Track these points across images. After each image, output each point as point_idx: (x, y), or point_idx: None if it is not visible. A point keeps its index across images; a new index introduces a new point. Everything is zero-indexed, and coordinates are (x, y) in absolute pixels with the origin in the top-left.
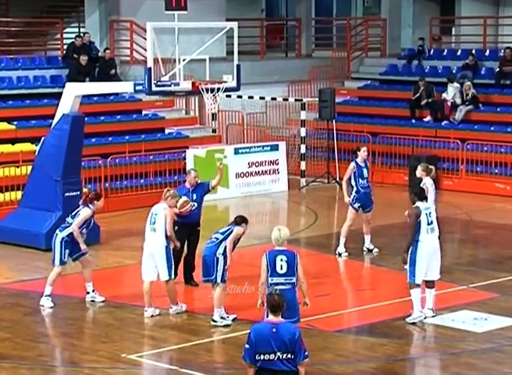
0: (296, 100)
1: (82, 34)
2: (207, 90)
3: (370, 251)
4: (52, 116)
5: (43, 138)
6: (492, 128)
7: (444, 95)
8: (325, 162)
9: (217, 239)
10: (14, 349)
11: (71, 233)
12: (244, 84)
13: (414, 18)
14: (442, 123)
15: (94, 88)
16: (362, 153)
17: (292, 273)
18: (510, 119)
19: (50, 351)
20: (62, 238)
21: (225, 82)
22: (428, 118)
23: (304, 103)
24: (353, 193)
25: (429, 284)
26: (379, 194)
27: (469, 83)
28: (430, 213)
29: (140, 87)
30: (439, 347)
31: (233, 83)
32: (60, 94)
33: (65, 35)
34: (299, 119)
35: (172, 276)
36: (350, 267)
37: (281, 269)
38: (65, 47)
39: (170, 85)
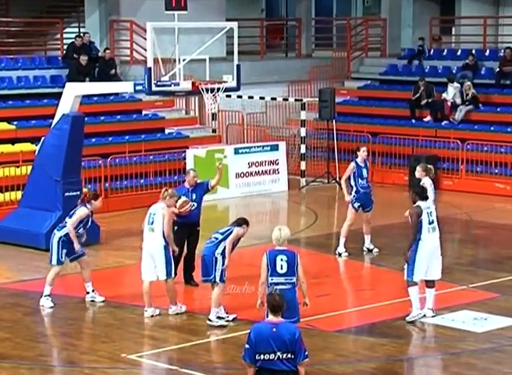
0: (296, 100)
1: (82, 34)
2: (207, 90)
3: (370, 251)
4: (52, 116)
5: (43, 138)
6: (492, 128)
7: (444, 95)
8: (325, 162)
9: (216, 239)
10: (14, 349)
11: (68, 233)
12: (244, 84)
13: (414, 18)
14: (442, 123)
15: (94, 88)
16: (362, 153)
17: (292, 273)
18: (510, 119)
19: (50, 351)
20: (60, 238)
21: (225, 82)
22: (428, 118)
23: (304, 103)
24: (353, 193)
25: (429, 284)
26: (379, 194)
27: (469, 83)
28: (431, 212)
29: (140, 87)
30: (439, 347)
31: (233, 83)
32: (60, 94)
33: (65, 35)
34: (299, 119)
35: (172, 276)
36: (350, 267)
37: (281, 268)
38: (65, 47)
39: (170, 85)
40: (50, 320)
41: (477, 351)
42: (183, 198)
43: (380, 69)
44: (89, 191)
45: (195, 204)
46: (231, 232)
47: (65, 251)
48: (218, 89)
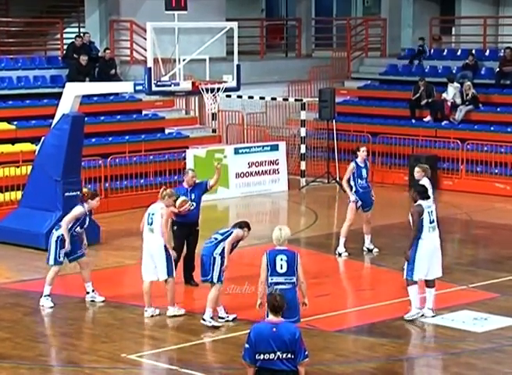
0: (296, 100)
1: (82, 34)
2: (207, 90)
3: (370, 251)
4: (52, 116)
5: (43, 138)
6: (492, 128)
7: (444, 95)
8: (325, 162)
9: (216, 239)
10: (14, 349)
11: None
12: (244, 84)
13: (414, 18)
14: (442, 123)
15: (94, 88)
16: (362, 153)
17: (292, 273)
18: (510, 119)
19: (50, 351)
20: (58, 237)
21: (225, 82)
22: (428, 118)
23: (304, 103)
24: (353, 193)
25: (429, 284)
26: (379, 194)
27: (469, 83)
28: (432, 212)
29: (140, 87)
30: (438, 347)
31: (233, 83)
32: (60, 94)
33: (65, 35)
34: (299, 119)
35: (173, 276)
36: (350, 267)
37: (281, 268)
38: (65, 47)
39: (170, 85)
40: (50, 320)
41: (477, 351)
42: (182, 197)
43: (380, 69)
44: (89, 191)
45: (194, 204)
46: (231, 233)
47: (63, 251)
48: (218, 89)
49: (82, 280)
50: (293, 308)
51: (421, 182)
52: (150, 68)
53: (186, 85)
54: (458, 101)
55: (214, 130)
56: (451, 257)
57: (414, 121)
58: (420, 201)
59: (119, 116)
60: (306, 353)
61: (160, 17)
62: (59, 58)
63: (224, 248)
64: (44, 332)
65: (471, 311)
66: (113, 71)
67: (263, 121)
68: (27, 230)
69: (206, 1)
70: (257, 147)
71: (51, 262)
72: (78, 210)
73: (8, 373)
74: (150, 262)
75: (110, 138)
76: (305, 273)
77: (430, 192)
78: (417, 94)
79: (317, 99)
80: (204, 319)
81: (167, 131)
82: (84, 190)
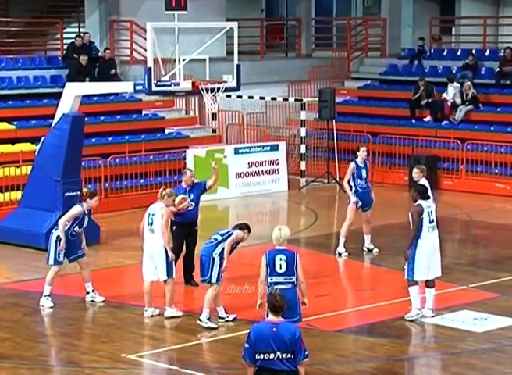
0: (296, 100)
1: (82, 34)
2: (207, 90)
3: (370, 251)
4: (52, 116)
5: (43, 138)
6: (492, 128)
7: (444, 95)
8: (325, 162)
9: (215, 240)
10: (14, 349)
11: (66, 232)
12: (244, 84)
13: (414, 18)
14: (442, 123)
15: (94, 88)
16: (361, 153)
17: (291, 273)
18: (510, 119)
19: (50, 351)
20: (57, 237)
21: (225, 82)
22: (428, 118)
23: (304, 103)
24: (353, 194)
25: (429, 284)
26: (379, 194)
27: (469, 83)
28: (431, 212)
29: (140, 87)
30: (438, 347)
31: (233, 83)
32: (60, 94)
33: (65, 35)
34: (299, 119)
35: (173, 277)
36: (350, 267)
37: (280, 268)
38: (65, 47)
39: (170, 85)
40: (50, 320)
41: (477, 351)
42: (181, 195)
43: (380, 69)
44: (88, 191)
45: (193, 203)
46: (231, 234)
47: (63, 251)
48: (218, 89)
49: (82, 280)
50: (293, 308)
51: (419, 182)
52: (150, 68)
53: (186, 85)
54: (458, 101)
55: (214, 130)
56: (451, 257)
57: (414, 121)
58: (420, 201)
59: (119, 116)
60: (306, 353)
61: (160, 17)
62: (59, 58)
63: (223, 249)
64: (44, 332)
65: (471, 311)
66: (113, 71)
67: (263, 121)
68: (27, 230)
69: (206, 1)
70: (257, 147)
71: (51, 262)
72: (76, 209)
73: (8, 373)
74: (150, 263)
75: (110, 138)
76: (305, 273)
77: (430, 192)
78: (417, 94)
79: (317, 99)
80: (200, 320)
81: (167, 131)
82: (84, 190)
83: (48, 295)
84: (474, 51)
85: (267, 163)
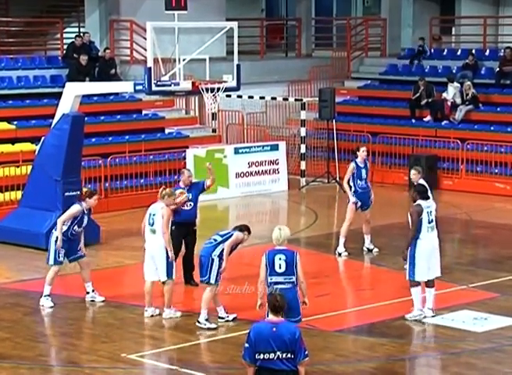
0: (296, 100)
1: (82, 34)
2: (207, 90)
3: (370, 250)
4: (52, 116)
5: (43, 138)
6: (492, 128)
7: (444, 95)
8: (325, 162)
9: (215, 240)
10: (14, 349)
11: (65, 232)
12: (244, 84)
13: (414, 18)
14: (442, 123)
15: (94, 88)
16: (361, 153)
17: (291, 272)
18: (510, 118)
19: (50, 351)
20: (57, 237)
21: (225, 82)
22: (428, 118)
23: (304, 103)
24: (352, 194)
25: (429, 284)
26: (379, 194)
27: (469, 82)
28: (431, 212)
29: (140, 87)
30: (438, 346)
31: (233, 83)
32: (60, 93)
33: (65, 35)
34: (299, 119)
35: (172, 278)
36: (350, 267)
37: (279, 268)
38: (65, 47)
39: (170, 85)
40: (50, 320)
41: (477, 350)
42: (180, 189)
43: (380, 69)
44: (88, 190)
45: (192, 203)
46: (231, 235)
47: (63, 250)
48: (218, 89)
49: (82, 280)
50: (294, 308)
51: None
52: (150, 68)
53: (186, 85)
54: (458, 100)
55: (214, 130)
56: (451, 257)
57: (414, 121)
58: (419, 201)
59: (119, 116)
60: (306, 353)
61: (160, 17)
62: (59, 58)
63: (223, 250)
64: (44, 332)
65: (471, 311)
66: (113, 71)
67: (263, 121)
68: (27, 230)
69: (206, 0)
70: (257, 147)
71: (51, 261)
72: (75, 208)
73: (9, 373)
74: (151, 263)
75: (110, 138)
76: (305, 272)
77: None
78: (417, 94)
79: (317, 99)
80: (199, 322)
81: (167, 131)
82: (84, 189)
83: (48, 295)
84: (474, 51)
85: (267, 163)
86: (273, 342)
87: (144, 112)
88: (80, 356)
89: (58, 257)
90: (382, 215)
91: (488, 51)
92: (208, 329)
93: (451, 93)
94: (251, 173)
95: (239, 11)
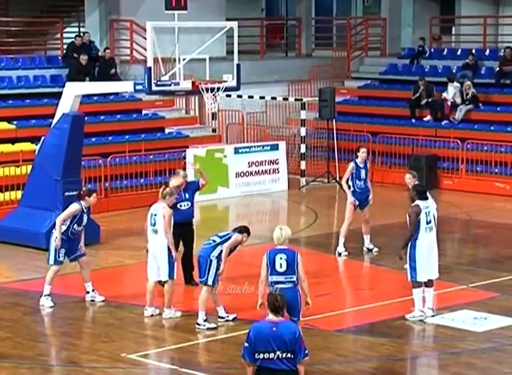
0: (296, 99)
1: (82, 34)
2: (207, 89)
3: (370, 250)
4: (52, 116)
5: (43, 138)
6: (492, 127)
7: (444, 95)
8: (325, 162)
9: (214, 241)
10: (14, 349)
11: (66, 231)
12: (244, 84)
13: (414, 17)
14: (442, 123)
15: (94, 88)
16: (361, 154)
17: (292, 272)
18: (510, 118)
19: (50, 351)
20: (57, 236)
21: (225, 81)
22: (428, 117)
23: (304, 103)
24: (350, 193)
25: (428, 283)
26: (379, 194)
27: (469, 82)
28: (429, 212)
29: (140, 87)
30: (438, 346)
31: (233, 83)
32: (60, 93)
33: (65, 35)
34: (299, 119)
35: (174, 278)
36: (350, 267)
37: (280, 267)
38: (65, 46)
39: (170, 85)
40: (50, 320)
41: (477, 350)
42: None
43: (380, 69)
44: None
45: (189, 203)
46: (230, 237)
47: (63, 250)
48: (218, 88)
49: (82, 279)
50: (294, 307)
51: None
52: (150, 67)
53: (186, 85)
54: (458, 100)
55: (214, 130)
56: (451, 256)
57: (414, 121)
58: (417, 202)
59: (119, 116)
60: (306, 352)
61: (160, 17)
62: (59, 57)
63: (221, 252)
64: (44, 331)
65: (471, 310)
66: (113, 71)
67: (263, 121)
68: (27, 230)
69: (206, 0)
70: (257, 146)
71: (51, 261)
72: (73, 207)
73: (9, 373)
74: (154, 263)
75: (110, 138)
76: (305, 272)
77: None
78: (417, 94)
79: (317, 99)
80: (198, 324)
81: (167, 131)
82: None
83: (48, 295)
84: (474, 51)
85: (267, 163)
86: (273, 342)
87: (143, 111)
88: (80, 356)
89: (59, 257)
90: (381, 214)
91: (488, 50)
92: (208, 329)
93: (451, 93)
94: (251, 173)
95: (239, 11)
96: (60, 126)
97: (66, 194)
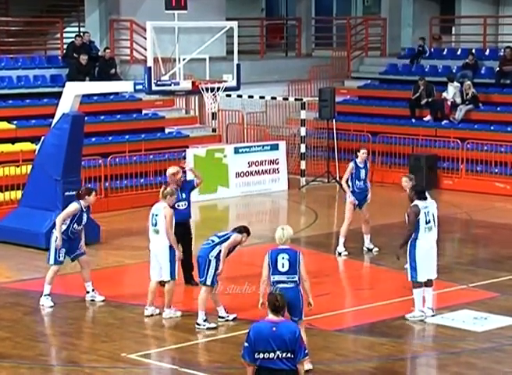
0: (296, 99)
1: (82, 34)
2: (207, 89)
3: (370, 250)
4: (52, 116)
5: (43, 138)
6: (492, 127)
7: (444, 95)
8: (325, 162)
9: (213, 241)
10: (14, 348)
11: (66, 231)
12: (244, 84)
13: (414, 17)
14: (442, 123)
15: (94, 88)
16: (361, 154)
17: (294, 272)
18: (510, 118)
19: (50, 351)
20: (57, 236)
21: (225, 81)
22: (428, 117)
23: (304, 102)
24: (349, 193)
25: (427, 283)
26: (379, 194)
27: (469, 82)
28: (428, 212)
29: (140, 87)
30: (438, 346)
31: (233, 83)
32: (60, 93)
33: (65, 34)
34: (299, 119)
35: (175, 278)
36: (350, 266)
37: (282, 267)
38: (65, 46)
39: (170, 84)
40: (50, 320)
41: (477, 350)
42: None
43: (380, 69)
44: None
45: (186, 202)
46: (229, 237)
47: (63, 250)
48: (218, 88)
49: (82, 279)
50: (296, 307)
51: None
52: (150, 67)
53: (186, 84)
54: (458, 100)
55: (214, 130)
56: (451, 256)
57: (414, 120)
58: (416, 202)
59: (119, 116)
60: (306, 351)
61: (160, 16)
62: (59, 57)
63: (220, 251)
64: (44, 331)
65: (471, 310)
66: (113, 70)
67: (263, 120)
68: (27, 230)
69: (206, 0)
70: (257, 146)
71: (51, 261)
72: (73, 207)
73: (9, 373)
74: (155, 263)
75: (110, 138)
76: (305, 272)
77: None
78: (417, 94)
79: (317, 98)
80: (198, 324)
81: (167, 131)
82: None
83: (48, 295)
84: (474, 51)
85: (267, 163)
86: (273, 342)
87: (143, 111)
88: (80, 356)
89: (59, 257)
90: (381, 214)
91: (488, 50)
92: (208, 328)
93: (451, 93)
94: (251, 173)
95: (239, 10)
96: (60, 126)
97: (66, 194)
